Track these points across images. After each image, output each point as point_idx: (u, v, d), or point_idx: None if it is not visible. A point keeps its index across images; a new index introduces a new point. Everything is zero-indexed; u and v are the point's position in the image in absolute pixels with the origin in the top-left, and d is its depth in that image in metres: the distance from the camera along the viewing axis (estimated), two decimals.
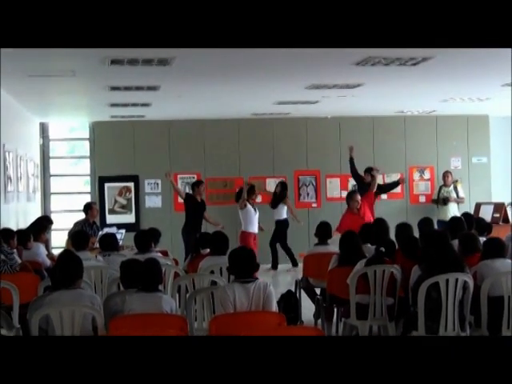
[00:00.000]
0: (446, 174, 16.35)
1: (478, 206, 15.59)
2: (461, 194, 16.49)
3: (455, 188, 16.38)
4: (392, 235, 9.34)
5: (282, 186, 16.09)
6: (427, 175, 17.22)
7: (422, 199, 17.45)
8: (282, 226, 15.86)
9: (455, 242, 8.12)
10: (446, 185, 16.23)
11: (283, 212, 15.89)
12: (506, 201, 15.23)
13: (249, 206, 14.70)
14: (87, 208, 13.24)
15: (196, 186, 14.90)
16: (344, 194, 17.08)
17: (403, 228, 9.37)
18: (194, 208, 14.64)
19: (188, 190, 15.84)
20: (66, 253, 7.42)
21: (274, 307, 6.56)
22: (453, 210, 15.73)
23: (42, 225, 11.03)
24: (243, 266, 6.54)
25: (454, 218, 10.35)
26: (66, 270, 6.54)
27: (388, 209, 16.19)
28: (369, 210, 13.94)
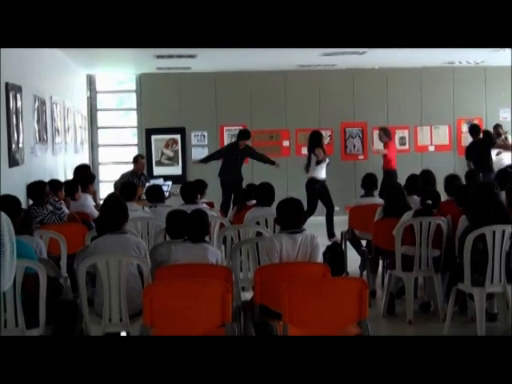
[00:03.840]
0: (497, 127, 16.09)
1: None
2: None
3: (506, 139, 16.12)
4: (438, 187, 9.28)
5: None
6: None
7: None
8: None
9: (502, 194, 8.04)
10: (498, 136, 15.96)
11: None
12: None
13: None
14: (134, 160, 13.55)
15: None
16: None
17: (453, 179, 9.29)
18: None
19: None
20: (111, 197, 7.49)
21: (320, 259, 6.57)
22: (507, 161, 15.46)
23: (90, 176, 11.15)
24: (292, 216, 6.51)
25: (501, 170, 10.26)
26: (112, 213, 6.62)
27: (435, 161, 16.04)
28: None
